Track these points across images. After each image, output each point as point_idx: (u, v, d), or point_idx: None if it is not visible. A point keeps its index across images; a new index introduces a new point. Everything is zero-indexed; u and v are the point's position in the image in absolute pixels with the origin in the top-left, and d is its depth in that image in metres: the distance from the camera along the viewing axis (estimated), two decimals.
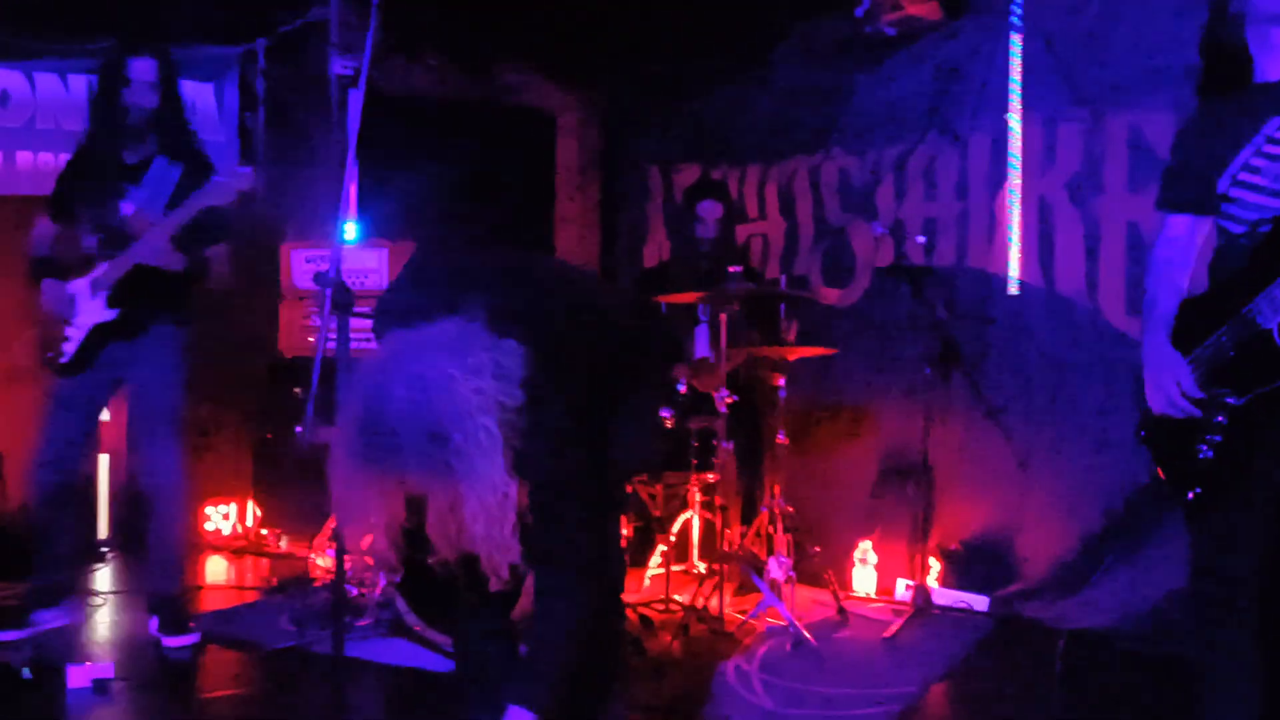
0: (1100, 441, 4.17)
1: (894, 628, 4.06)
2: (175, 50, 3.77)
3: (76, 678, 3.27)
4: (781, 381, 4.21)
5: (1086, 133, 4.31)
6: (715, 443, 4.21)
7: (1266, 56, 2.37)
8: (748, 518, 4.31)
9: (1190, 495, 2.34)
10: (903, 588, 4.54)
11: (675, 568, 4.37)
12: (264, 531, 5.45)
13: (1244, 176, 2.33)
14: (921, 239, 4.42)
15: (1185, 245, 2.46)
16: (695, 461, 4.23)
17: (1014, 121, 4.48)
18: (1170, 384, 2.36)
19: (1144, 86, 4.11)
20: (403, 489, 2.25)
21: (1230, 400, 2.28)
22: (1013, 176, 4.49)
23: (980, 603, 4.32)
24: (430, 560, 2.31)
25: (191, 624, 3.78)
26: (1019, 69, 4.47)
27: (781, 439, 4.19)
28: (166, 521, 3.77)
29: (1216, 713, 2.35)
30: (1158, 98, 4.06)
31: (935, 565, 4.52)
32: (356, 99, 5.07)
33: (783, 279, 4.80)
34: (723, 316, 4.10)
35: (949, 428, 4.60)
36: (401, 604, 3.68)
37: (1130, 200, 4.18)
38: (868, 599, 4.58)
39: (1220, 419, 2.30)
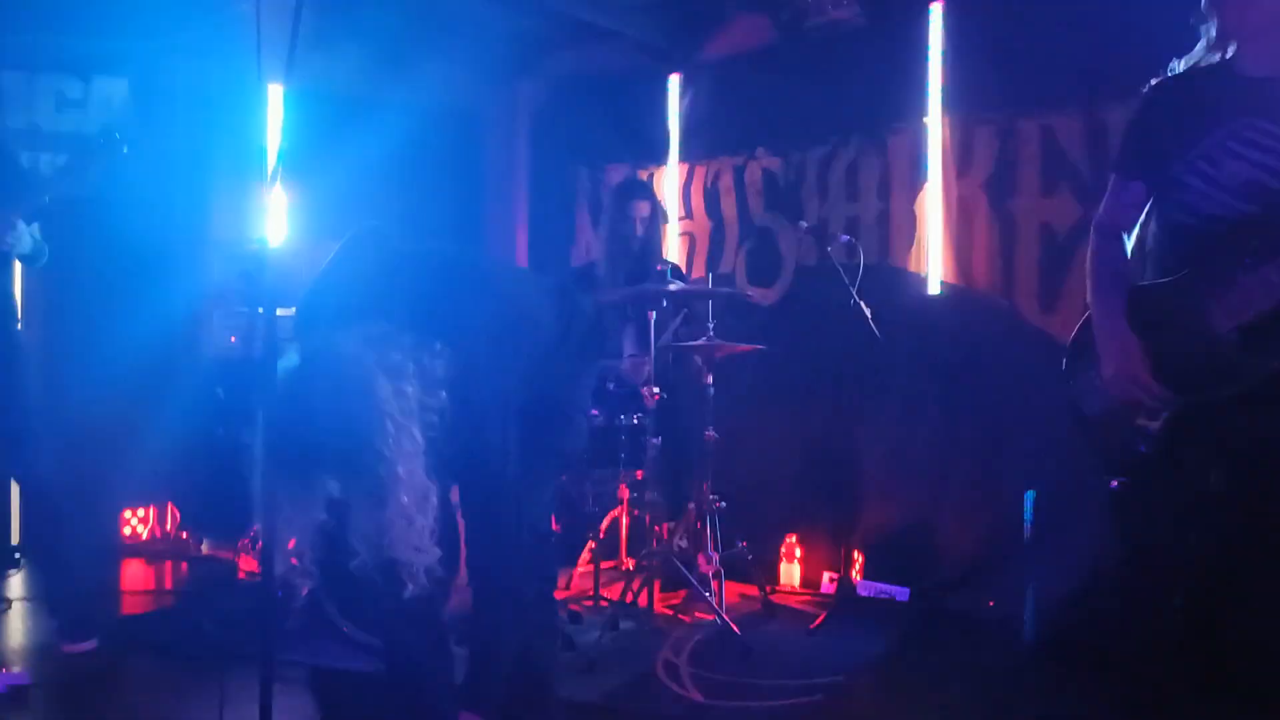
0: (1014, 436, 4.28)
1: (819, 619, 4.14)
2: None
3: None
4: (709, 378, 4.26)
5: (1001, 135, 4.43)
6: (644, 439, 4.25)
7: (1251, 46, 2.33)
8: (676, 514, 4.34)
9: (1114, 484, 2.38)
10: (827, 580, 4.63)
11: (604, 565, 4.40)
12: (183, 535, 5.35)
13: (1202, 166, 2.32)
14: (845, 238, 4.49)
15: (1134, 216, 2.46)
16: (624, 457, 4.26)
17: (932, 124, 4.59)
18: (1135, 366, 2.33)
19: (1055, 92, 4.23)
20: (324, 491, 2.24)
21: (1175, 396, 2.28)
22: (932, 178, 4.60)
23: (902, 594, 4.41)
24: (351, 564, 2.30)
25: (92, 628, 3.68)
26: (937, 74, 4.57)
27: (710, 434, 4.23)
28: (71, 524, 3.69)
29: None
30: (1068, 103, 4.19)
31: (858, 559, 4.61)
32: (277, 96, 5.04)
33: (709, 277, 4.86)
34: (650, 314, 4.14)
35: (871, 424, 4.70)
36: (329, 605, 3.64)
37: (1043, 202, 4.31)
38: (794, 592, 4.66)
39: (1164, 413, 2.30)
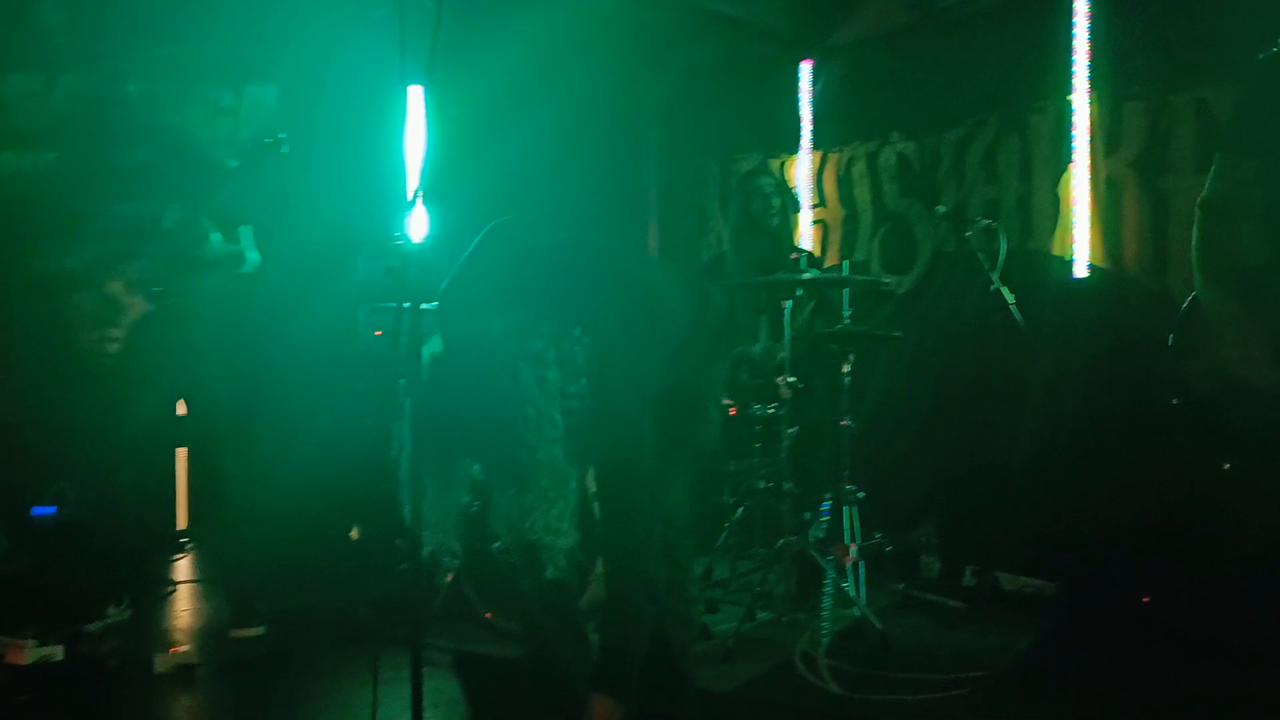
0: (1167, 424, 4.10)
1: (961, 613, 4.05)
2: None
3: (161, 664, 3.39)
4: (845, 367, 4.20)
5: (1152, 111, 4.24)
6: (779, 429, 4.22)
7: None
8: (812, 504, 4.31)
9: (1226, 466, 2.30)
10: (969, 573, 4.52)
11: (740, 555, 4.40)
12: None
13: None
14: (984, 222, 4.37)
15: (1246, 196, 2.37)
16: (759, 447, 4.25)
17: (1077, 102, 4.42)
18: (1253, 349, 2.27)
19: (1210, 62, 4.03)
20: (467, 475, 2.31)
21: None
22: (1077, 157, 4.43)
23: (1049, 588, 4.27)
24: (493, 547, 2.37)
25: (260, 615, 3.87)
26: (1082, 49, 4.40)
27: (846, 424, 4.18)
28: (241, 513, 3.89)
29: None
30: (1225, 73, 3.98)
31: (1002, 551, 4.48)
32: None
33: (843, 265, 4.79)
34: (784, 303, 4.11)
35: (1014, 413, 4.56)
36: (470, 589, 3.75)
37: (1198, 179, 4.10)
38: (935, 584, 4.56)
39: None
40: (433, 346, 2.30)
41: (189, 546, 5.27)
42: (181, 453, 5.37)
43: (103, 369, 3.66)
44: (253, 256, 3.89)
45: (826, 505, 4.19)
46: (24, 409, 4.83)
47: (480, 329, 2.27)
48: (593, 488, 2.44)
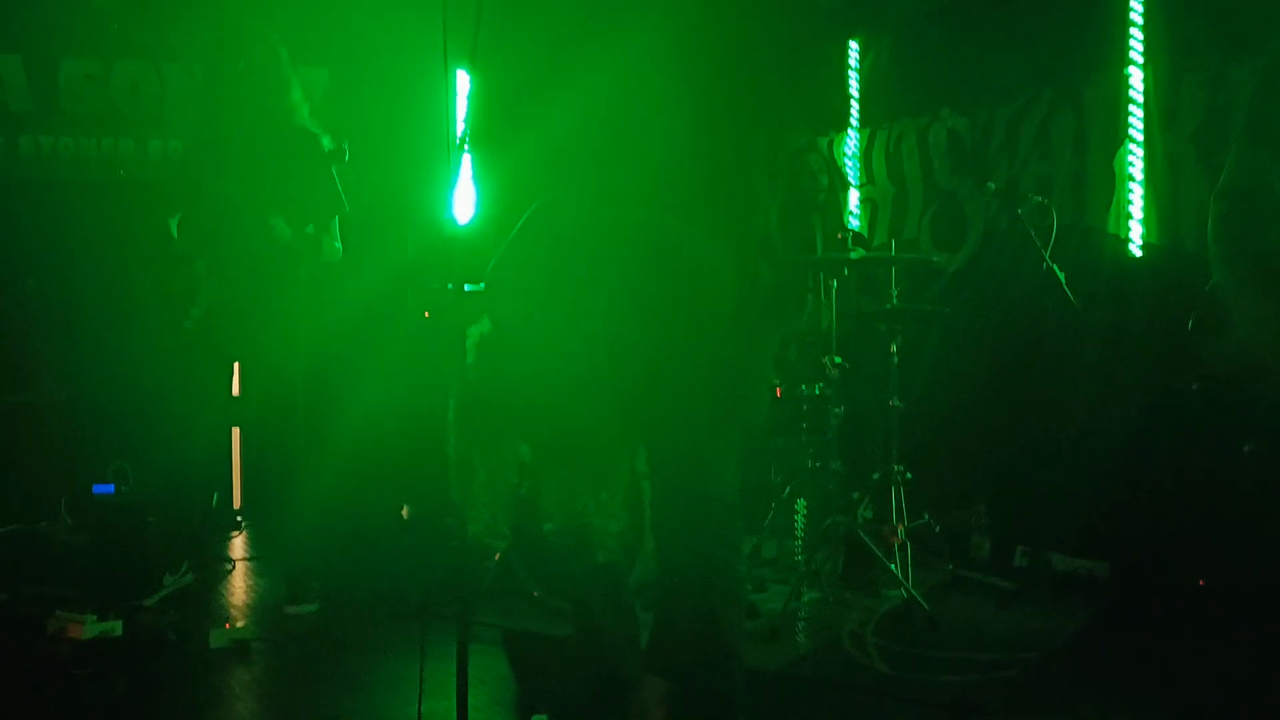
0: (1222, 404, 4.02)
1: (1011, 594, 4.01)
2: None
3: (218, 639, 3.46)
4: (893, 347, 4.17)
5: (1211, 84, 4.13)
6: (827, 408, 4.20)
7: None
8: (861, 484, 4.28)
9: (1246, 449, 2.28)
10: (1020, 554, 4.47)
11: (789, 535, 4.39)
12: None
13: None
14: (1037, 199, 4.30)
15: (1261, 183, 2.38)
16: (806, 426, 4.23)
17: (1134, 75, 4.33)
18: (1267, 330, 2.29)
19: (1272, 31, 3.92)
20: (516, 456, 2.32)
21: None
22: (1134, 132, 4.34)
23: (1101, 570, 4.21)
24: (545, 528, 2.38)
25: (314, 593, 3.94)
26: (1139, 20, 4.31)
27: (894, 404, 4.15)
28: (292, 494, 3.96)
29: None
30: None
31: (1053, 532, 4.42)
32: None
33: (891, 243, 4.74)
34: (832, 282, 4.08)
35: (1066, 393, 4.49)
36: (520, 568, 3.79)
37: None
38: (984, 565, 4.52)
39: None
40: (481, 326, 2.31)
41: (245, 525, 5.37)
42: (235, 431, 5.47)
43: (177, 346, 3.76)
44: (338, 246, 3.95)
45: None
46: (87, 387, 4.96)
47: (528, 307, 2.28)
48: (642, 468, 2.45)
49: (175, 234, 3.83)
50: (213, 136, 3.87)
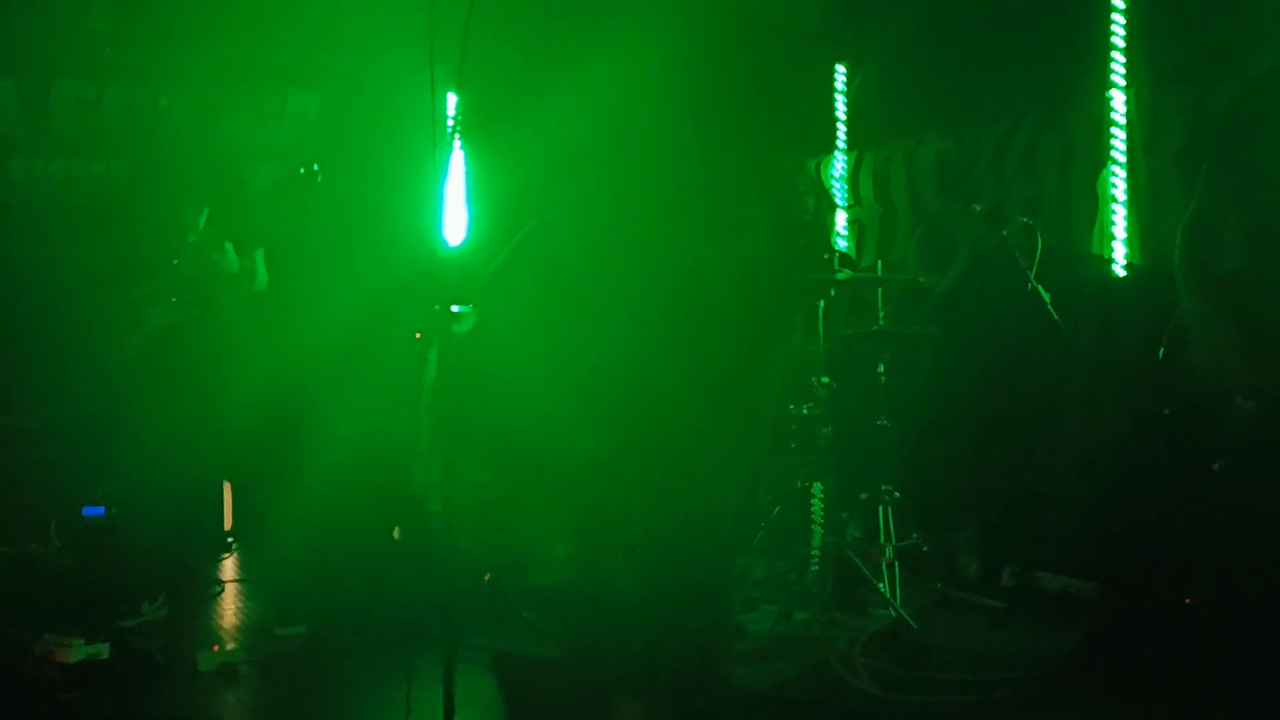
0: (1207, 424, 4.04)
1: (1000, 614, 4.02)
2: None
3: (206, 662, 3.45)
4: (881, 367, 4.19)
5: (1194, 105, 4.18)
6: (815, 428, 4.21)
7: None
8: (849, 504, 4.29)
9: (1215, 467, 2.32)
10: (1008, 574, 4.48)
11: (777, 555, 4.39)
12: None
13: None
14: (1022, 220, 4.34)
15: (1225, 213, 2.43)
16: (795, 446, 4.23)
17: (1116, 97, 4.37)
18: (1225, 350, 2.34)
19: (1257, 52, 3.96)
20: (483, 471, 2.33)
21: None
22: (1117, 154, 4.38)
23: (1090, 589, 4.22)
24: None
25: (302, 614, 3.93)
26: (1120, 43, 4.35)
27: (882, 424, 4.17)
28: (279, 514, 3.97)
29: None
30: (1264, 66, 3.92)
31: (1041, 551, 4.44)
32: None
33: (878, 264, 4.77)
34: (818, 303, 4.10)
35: (1053, 412, 4.51)
36: (510, 590, 3.78)
37: None
38: (973, 585, 4.52)
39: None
40: (464, 325, 2.32)
41: (235, 546, 5.36)
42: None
43: (124, 372, 3.75)
44: (262, 275, 3.98)
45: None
46: (76, 409, 4.95)
47: (518, 320, 2.29)
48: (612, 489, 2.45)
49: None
50: (155, 159, 3.89)
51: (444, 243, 5.39)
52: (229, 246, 3.81)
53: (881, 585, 3.92)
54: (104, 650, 3.35)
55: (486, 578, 3.96)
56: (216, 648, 3.62)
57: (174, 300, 3.78)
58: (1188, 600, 3.90)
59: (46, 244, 5.16)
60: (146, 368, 3.82)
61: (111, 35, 5.37)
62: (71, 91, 5.39)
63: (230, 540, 5.41)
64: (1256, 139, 2.35)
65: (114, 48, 5.38)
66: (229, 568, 5.07)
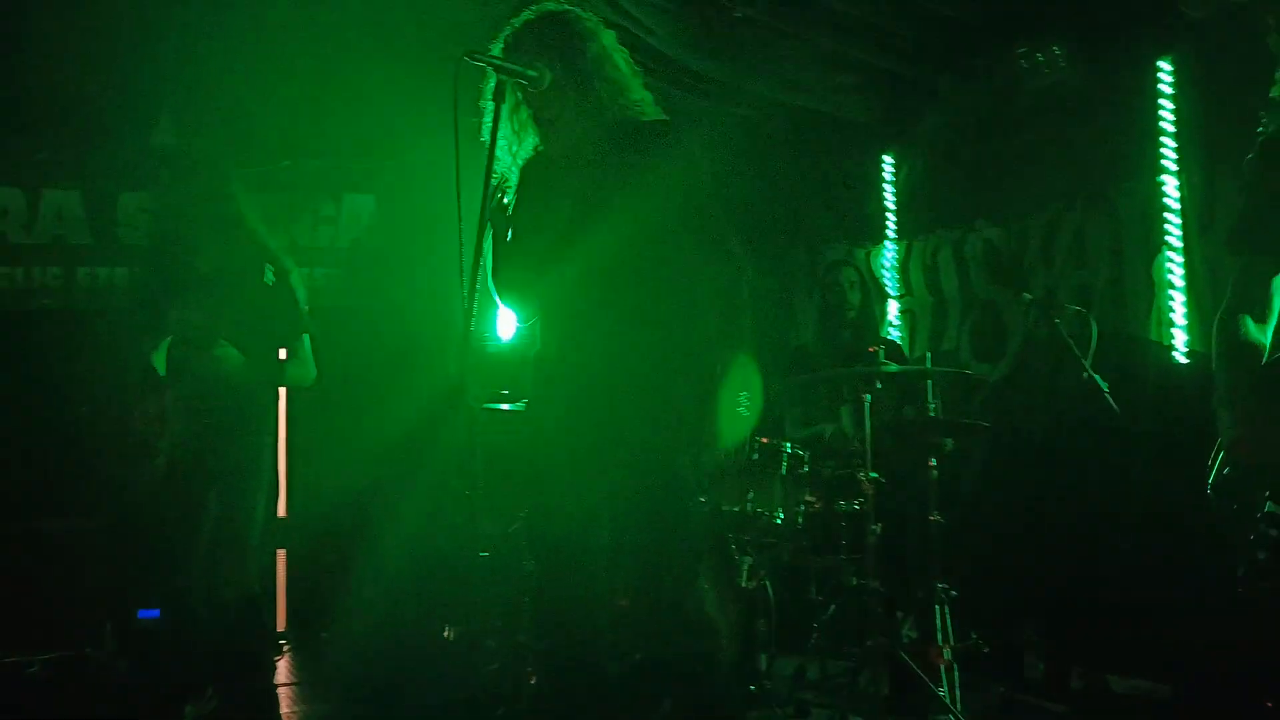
0: None
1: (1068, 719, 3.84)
2: None
3: None
4: (932, 460, 4.09)
5: None
6: (864, 525, 4.11)
7: None
8: (902, 603, 4.17)
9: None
10: (1076, 676, 4.29)
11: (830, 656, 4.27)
12: None
13: None
14: (1074, 308, 4.25)
15: (1262, 295, 2.32)
16: (845, 544, 4.14)
17: (1169, 181, 4.29)
18: (1259, 431, 2.21)
19: None
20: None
21: None
22: (1171, 238, 4.29)
23: (1164, 692, 4.02)
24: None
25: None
26: (1170, 127, 4.29)
27: (935, 519, 4.05)
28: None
29: None
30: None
31: (1110, 653, 4.25)
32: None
33: (928, 355, 4.70)
34: (864, 396, 4.03)
35: (1117, 506, 4.36)
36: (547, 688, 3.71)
37: None
38: (1038, 688, 4.34)
39: None
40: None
41: (288, 648, 5.35)
42: (281, 553, 5.49)
43: (162, 474, 3.76)
44: (311, 368, 3.96)
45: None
46: (130, 512, 5.03)
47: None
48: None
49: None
50: (169, 264, 3.93)
51: (497, 338, 5.46)
52: (228, 348, 3.80)
53: (940, 689, 3.76)
54: None
55: (531, 679, 3.90)
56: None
57: (198, 405, 3.79)
58: (1268, 704, 3.69)
59: (111, 349, 5.31)
60: (181, 472, 3.84)
61: (177, 150, 5.58)
62: (135, 202, 5.60)
63: (283, 642, 5.40)
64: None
65: (179, 161, 5.58)
66: (282, 669, 5.05)
